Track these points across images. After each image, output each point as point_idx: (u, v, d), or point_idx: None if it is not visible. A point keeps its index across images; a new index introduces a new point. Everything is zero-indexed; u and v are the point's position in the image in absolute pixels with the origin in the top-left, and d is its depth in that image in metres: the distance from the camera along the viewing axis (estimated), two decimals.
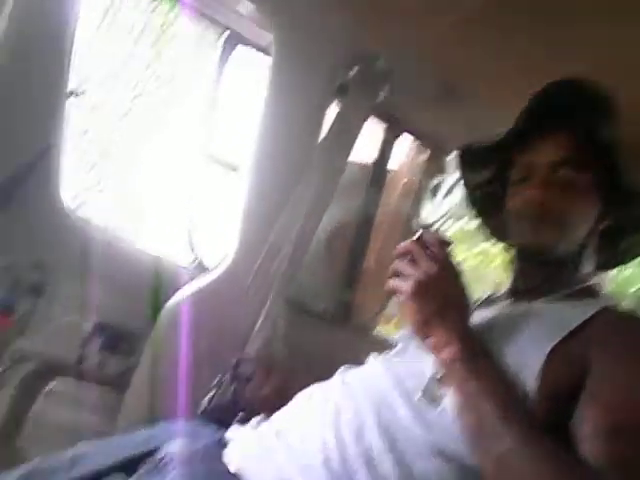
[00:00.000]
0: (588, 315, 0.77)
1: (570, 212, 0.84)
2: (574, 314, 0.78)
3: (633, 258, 1.01)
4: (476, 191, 1.04)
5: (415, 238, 0.80)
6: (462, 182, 1.05)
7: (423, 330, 0.75)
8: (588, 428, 0.66)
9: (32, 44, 1.10)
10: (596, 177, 0.86)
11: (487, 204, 1.04)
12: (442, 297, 0.75)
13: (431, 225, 0.82)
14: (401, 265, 0.77)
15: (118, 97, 2.57)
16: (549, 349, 0.72)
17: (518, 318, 0.81)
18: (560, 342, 0.73)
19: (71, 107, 1.18)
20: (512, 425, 0.65)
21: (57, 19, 1.11)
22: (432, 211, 1.70)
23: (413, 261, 0.77)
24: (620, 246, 0.97)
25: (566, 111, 0.86)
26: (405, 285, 0.75)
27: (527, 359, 0.72)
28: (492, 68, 1.23)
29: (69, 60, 1.14)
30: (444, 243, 0.80)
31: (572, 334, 0.74)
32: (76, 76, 1.18)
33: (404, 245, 0.79)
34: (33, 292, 1.18)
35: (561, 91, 0.86)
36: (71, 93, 1.18)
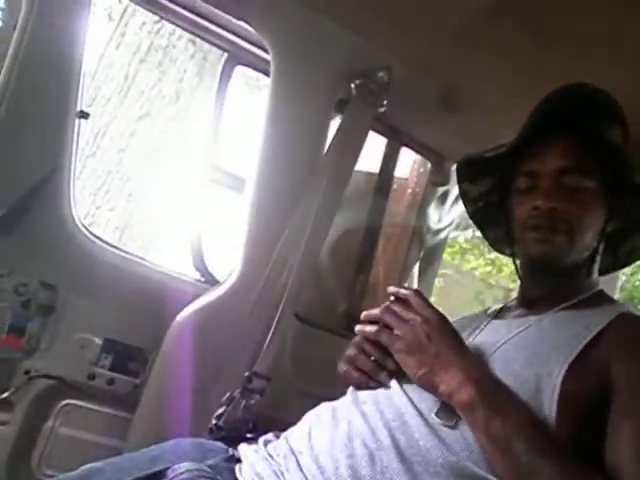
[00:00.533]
0: (606, 322, 0.76)
1: (579, 218, 0.84)
2: (591, 322, 0.77)
3: (633, 261, 1.00)
4: (477, 203, 1.03)
5: (391, 299, 0.83)
6: (461, 195, 1.04)
7: (430, 381, 0.74)
8: (622, 446, 0.65)
9: (42, 66, 1.12)
10: (602, 181, 0.86)
11: (488, 215, 1.03)
12: (436, 344, 0.75)
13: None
14: (383, 332, 0.80)
15: (125, 117, 2.61)
16: (571, 359, 0.71)
17: (535, 329, 0.81)
18: (580, 351, 0.72)
19: (79, 128, 1.20)
20: (548, 456, 0.64)
21: (66, 42, 1.13)
22: (440, 219, 1.69)
23: (397, 318, 0.79)
24: (623, 248, 0.97)
25: (570, 118, 0.85)
26: (396, 345, 0.78)
27: (549, 370, 0.71)
28: (492, 79, 1.23)
29: (78, 82, 1.16)
30: (419, 294, 0.82)
31: (590, 343, 0.73)
32: (83, 97, 1.20)
33: (375, 312, 0.83)
34: (43, 312, 1.19)
35: (564, 98, 0.86)
36: (80, 114, 1.19)
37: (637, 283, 6.99)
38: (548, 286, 0.88)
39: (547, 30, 1.03)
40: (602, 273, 0.96)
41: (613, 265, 0.98)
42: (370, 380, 0.83)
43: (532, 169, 0.88)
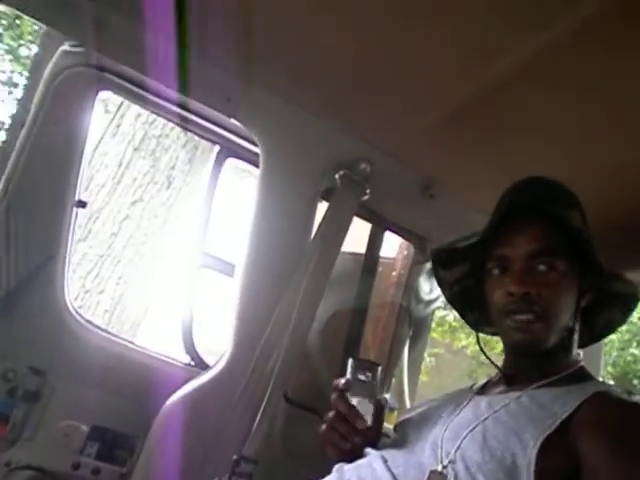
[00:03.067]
0: (581, 400, 0.78)
1: (553, 300, 0.87)
2: (568, 400, 0.79)
3: (609, 333, 1.03)
4: (453, 288, 1.06)
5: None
6: (437, 281, 1.08)
7: None
8: None
9: (45, 160, 1.18)
10: (571, 261, 0.90)
11: (466, 300, 1.06)
12: None
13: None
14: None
15: (117, 202, 2.68)
16: (546, 435, 0.73)
17: (514, 405, 0.82)
18: (555, 428, 0.74)
19: (77, 216, 1.25)
20: None
21: (70, 137, 1.20)
22: (426, 295, 1.72)
23: None
24: (599, 321, 1.00)
25: (533, 206, 0.91)
26: None
27: (525, 444, 0.72)
28: (468, 168, 1.31)
29: (77, 174, 1.22)
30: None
31: (565, 420, 0.75)
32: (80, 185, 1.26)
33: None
34: (29, 398, 1.17)
35: (527, 188, 0.92)
36: (78, 204, 1.25)
37: (629, 358, 6.91)
38: (527, 365, 0.91)
39: (521, 122, 1.12)
40: (581, 346, 0.98)
41: (591, 338, 1.01)
42: (345, 441, 0.89)
43: (504, 254, 0.92)
